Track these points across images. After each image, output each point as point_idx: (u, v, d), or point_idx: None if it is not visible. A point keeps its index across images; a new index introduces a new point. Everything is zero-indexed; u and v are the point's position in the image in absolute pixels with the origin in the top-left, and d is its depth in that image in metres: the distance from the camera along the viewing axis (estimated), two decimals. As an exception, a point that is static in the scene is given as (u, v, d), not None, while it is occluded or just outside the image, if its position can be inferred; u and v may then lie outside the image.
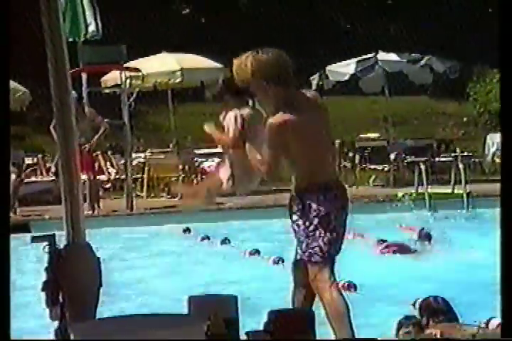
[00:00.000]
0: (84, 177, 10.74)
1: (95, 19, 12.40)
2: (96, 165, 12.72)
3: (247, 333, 2.45)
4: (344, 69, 15.00)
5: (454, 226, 9.04)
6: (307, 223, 4.14)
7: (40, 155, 15.39)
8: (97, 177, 12.40)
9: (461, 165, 11.84)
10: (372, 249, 8.17)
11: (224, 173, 5.53)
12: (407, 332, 4.26)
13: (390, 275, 6.79)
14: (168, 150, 15.37)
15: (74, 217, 2.91)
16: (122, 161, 13.80)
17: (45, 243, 2.89)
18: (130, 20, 20.39)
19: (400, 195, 11.16)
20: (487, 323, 4.44)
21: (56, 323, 2.83)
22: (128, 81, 13.04)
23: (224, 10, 22.63)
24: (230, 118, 5.41)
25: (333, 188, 4.20)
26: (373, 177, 14.96)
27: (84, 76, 12.42)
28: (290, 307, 4.24)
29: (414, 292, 5.38)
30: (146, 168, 14.13)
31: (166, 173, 14.02)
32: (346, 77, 14.91)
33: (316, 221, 4.13)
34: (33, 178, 14.37)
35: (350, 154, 15.76)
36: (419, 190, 11.56)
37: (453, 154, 14.27)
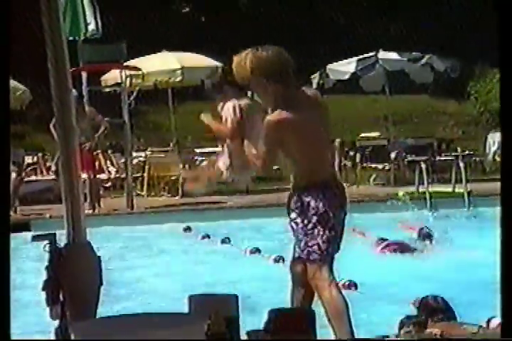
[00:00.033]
0: (84, 176, 10.74)
1: (95, 18, 12.39)
2: (96, 164, 12.72)
3: (247, 332, 2.45)
4: (345, 67, 14.99)
5: (455, 225, 9.03)
6: (306, 221, 4.13)
7: (40, 154, 15.41)
8: (98, 176, 12.40)
9: (461, 164, 11.83)
10: (372, 247, 8.16)
11: (223, 163, 5.50)
12: (408, 331, 4.26)
13: (390, 274, 6.78)
14: (168, 149, 15.38)
15: (74, 216, 2.91)
16: (122, 160, 13.80)
17: (46, 242, 2.88)
18: (130, 18, 20.39)
19: (400, 193, 11.16)
20: (488, 322, 4.44)
21: (56, 322, 2.82)
22: (128, 80, 13.03)
23: (224, 9, 22.63)
24: (229, 109, 5.38)
25: (332, 186, 4.20)
26: (374, 176, 14.95)
27: (84, 75, 12.41)
28: (290, 306, 4.24)
29: (414, 291, 5.37)
30: (147, 167, 14.13)
31: (166, 172, 14.02)
32: (347, 76, 14.90)
33: (314, 219, 4.11)
34: (34, 177, 14.38)
35: (351, 153, 15.76)
36: (420, 189, 11.56)
37: (454, 153, 14.26)
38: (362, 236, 8.72)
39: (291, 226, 4.22)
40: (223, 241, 9.09)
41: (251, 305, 4.53)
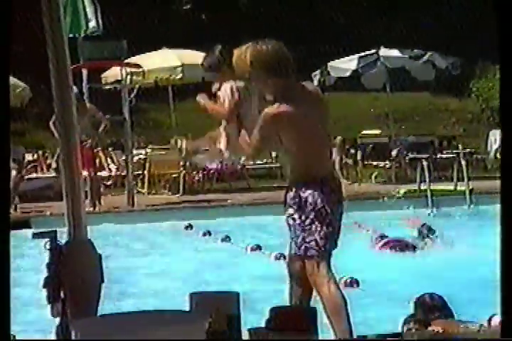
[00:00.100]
0: (85, 173, 10.74)
1: (96, 15, 12.38)
2: (97, 161, 12.71)
3: (248, 330, 2.44)
4: (346, 65, 14.97)
5: (456, 223, 9.03)
6: (303, 217, 4.10)
7: (40, 152, 15.40)
8: (98, 173, 12.39)
9: (463, 162, 11.82)
10: (372, 244, 8.16)
11: (222, 144, 5.46)
12: (410, 328, 4.25)
13: (390, 271, 6.78)
14: (168, 146, 15.37)
15: (75, 214, 2.90)
16: (123, 158, 13.79)
17: (47, 239, 2.88)
18: (131, 16, 20.38)
19: (401, 191, 11.16)
20: (489, 320, 4.44)
21: (57, 320, 2.82)
22: (129, 77, 13.02)
23: (224, 9, 22.62)
24: (226, 90, 5.32)
25: (329, 182, 4.17)
26: (375, 173, 14.95)
27: (84, 72, 12.40)
28: (289, 303, 4.23)
29: (415, 288, 5.37)
30: (147, 165, 14.12)
31: (166, 170, 14.02)
32: (348, 73, 14.88)
33: (312, 215, 4.09)
34: (34, 174, 14.37)
35: (352, 151, 15.76)
36: (422, 187, 11.55)
37: (455, 151, 14.26)
38: (365, 230, 8.71)
39: (288, 222, 4.18)
40: (223, 240, 9.09)
41: (252, 302, 4.52)
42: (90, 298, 2.81)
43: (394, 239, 8.13)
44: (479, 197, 10.73)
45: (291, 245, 4.21)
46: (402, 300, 5.06)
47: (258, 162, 15.24)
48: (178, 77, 14.65)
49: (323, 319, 3.84)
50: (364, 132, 16.81)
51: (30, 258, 6.95)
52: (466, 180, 11.35)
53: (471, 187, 11.17)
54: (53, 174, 13.71)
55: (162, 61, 14.95)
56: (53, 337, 2.87)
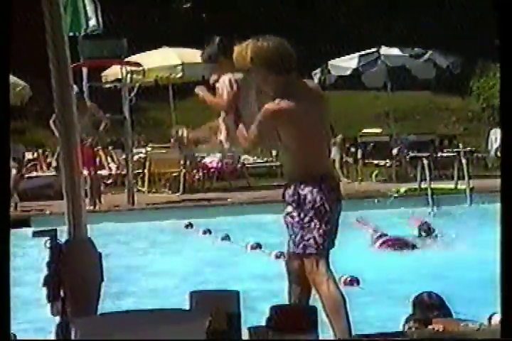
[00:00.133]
0: (85, 172, 10.74)
1: (96, 13, 12.38)
2: (97, 160, 12.72)
3: (249, 329, 2.44)
4: (346, 63, 14.97)
5: (457, 222, 9.03)
6: (302, 214, 4.09)
7: (40, 150, 15.41)
8: (98, 172, 12.40)
9: (464, 161, 11.83)
10: (372, 243, 8.16)
11: (222, 135, 5.45)
12: (410, 327, 4.25)
13: (390, 269, 6.78)
14: (169, 145, 15.37)
15: (75, 212, 2.90)
16: (123, 156, 13.79)
17: (47, 238, 2.87)
18: (131, 14, 20.38)
19: (402, 190, 11.16)
20: (489, 319, 4.43)
21: (57, 319, 2.82)
22: (129, 75, 13.02)
23: (224, 9, 22.61)
24: (224, 81, 5.31)
25: (329, 180, 4.16)
26: (376, 172, 14.95)
27: (84, 70, 12.41)
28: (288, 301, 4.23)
29: (414, 287, 5.37)
30: (147, 163, 14.13)
31: (167, 168, 14.02)
32: (349, 72, 14.88)
33: (311, 212, 4.07)
34: (34, 173, 14.38)
35: (353, 149, 15.76)
36: (422, 186, 11.56)
37: (456, 149, 14.26)
38: (365, 227, 8.70)
39: (286, 220, 4.16)
40: (223, 239, 9.10)
41: (253, 301, 4.52)
42: (90, 297, 2.81)
43: (393, 238, 8.13)
44: (480, 196, 10.73)
45: (289, 243, 4.19)
46: (401, 299, 5.05)
47: (258, 161, 15.25)
48: (179, 75, 14.65)
49: (322, 318, 3.84)
50: (364, 131, 16.82)
51: (30, 257, 6.95)
52: (466, 178, 11.36)
53: (471, 186, 11.17)
54: (53, 173, 13.72)
55: (162, 60, 14.95)
56: (53, 335, 2.87)
